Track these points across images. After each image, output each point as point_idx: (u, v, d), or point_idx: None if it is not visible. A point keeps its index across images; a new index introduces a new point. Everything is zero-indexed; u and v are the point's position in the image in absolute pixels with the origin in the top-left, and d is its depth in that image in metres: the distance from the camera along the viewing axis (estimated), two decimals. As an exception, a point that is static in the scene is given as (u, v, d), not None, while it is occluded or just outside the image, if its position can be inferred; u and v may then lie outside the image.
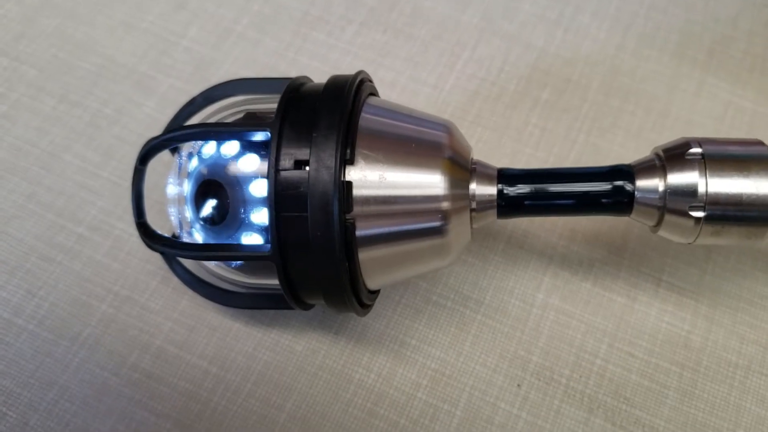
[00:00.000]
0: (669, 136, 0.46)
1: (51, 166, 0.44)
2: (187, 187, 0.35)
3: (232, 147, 0.34)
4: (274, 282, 0.36)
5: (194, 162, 0.35)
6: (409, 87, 0.48)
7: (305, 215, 0.31)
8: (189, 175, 0.35)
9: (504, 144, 0.46)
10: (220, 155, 0.34)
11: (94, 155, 0.45)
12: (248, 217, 0.33)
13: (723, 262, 0.41)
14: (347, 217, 0.31)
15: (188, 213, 0.35)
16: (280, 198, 0.31)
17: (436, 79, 0.48)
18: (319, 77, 0.48)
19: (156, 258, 0.41)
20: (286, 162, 0.31)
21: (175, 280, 0.40)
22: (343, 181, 0.31)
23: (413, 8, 0.51)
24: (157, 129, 0.46)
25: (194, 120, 0.38)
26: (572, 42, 0.49)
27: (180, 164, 0.36)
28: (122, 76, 0.48)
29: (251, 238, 0.33)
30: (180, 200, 0.35)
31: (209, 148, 0.34)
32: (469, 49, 0.49)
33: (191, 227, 0.35)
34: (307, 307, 0.35)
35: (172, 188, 0.36)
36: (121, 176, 0.44)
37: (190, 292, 0.40)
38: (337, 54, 0.49)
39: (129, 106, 0.47)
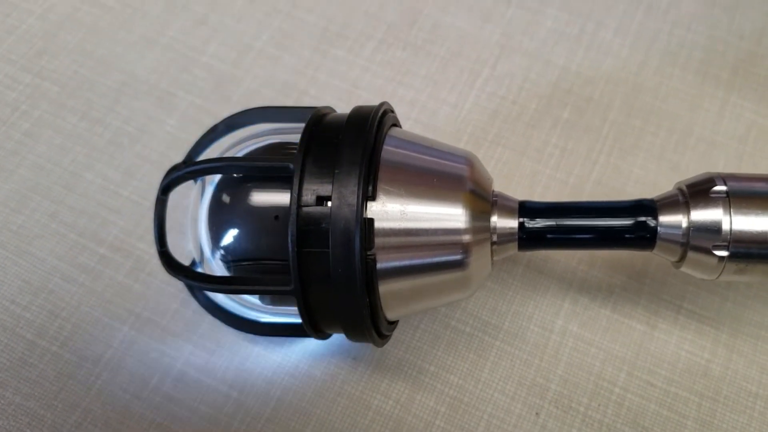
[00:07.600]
0: (691, 157, 0.46)
1: (73, 185, 0.45)
2: (207, 216, 0.35)
3: (254, 178, 0.34)
4: (293, 310, 0.36)
5: (215, 191, 0.35)
6: (428, 106, 0.47)
7: (327, 251, 0.31)
8: (209, 204, 0.35)
9: (523, 165, 0.45)
10: (242, 186, 0.34)
11: (116, 174, 0.45)
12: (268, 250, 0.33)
13: (744, 290, 0.41)
14: (368, 254, 0.31)
15: (207, 243, 0.35)
16: (302, 233, 0.31)
17: (456, 98, 0.48)
18: (339, 95, 0.48)
19: (176, 280, 0.41)
20: (308, 197, 0.31)
21: (195, 303, 0.40)
22: (365, 219, 0.31)
23: (433, 24, 0.50)
24: (177, 148, 0.46)
25: (216, 147, 0.38)
26: (594, 59, 0.49)
27: (201, 193, 0.36)
28: (143, 93, 0.48)
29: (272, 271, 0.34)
30: (200, 228, 0.36)
31: (231, 178, 0.35)
32: (489, 66, 0.49)
33: (211, 255, 0.35)
34: (325, 336, 0.36)
35: (192, 216, 0.36)
36: (142, 195, 0.44)
37: (209, 316, 0.40)
38: (356, 71, 0.49)
39: (150, 124, 0.47)
